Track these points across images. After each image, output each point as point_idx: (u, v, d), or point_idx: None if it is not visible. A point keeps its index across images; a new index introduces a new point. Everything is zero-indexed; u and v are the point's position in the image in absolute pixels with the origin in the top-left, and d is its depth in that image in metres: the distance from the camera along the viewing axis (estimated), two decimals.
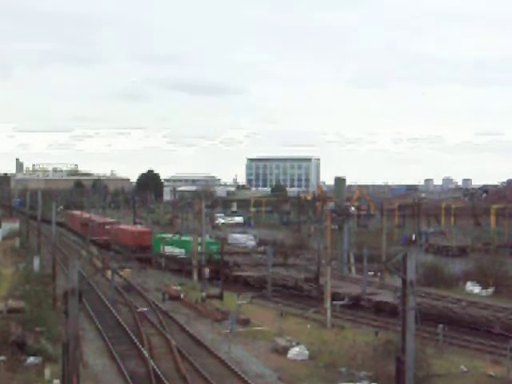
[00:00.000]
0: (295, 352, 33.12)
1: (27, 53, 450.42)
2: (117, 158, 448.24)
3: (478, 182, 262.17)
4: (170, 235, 74.75)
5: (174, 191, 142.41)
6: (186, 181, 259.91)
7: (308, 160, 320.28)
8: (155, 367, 29.53)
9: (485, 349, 35.08)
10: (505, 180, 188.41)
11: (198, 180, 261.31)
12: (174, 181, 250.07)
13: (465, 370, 30.98)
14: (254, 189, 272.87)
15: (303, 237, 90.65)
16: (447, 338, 35.76)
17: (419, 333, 25.09)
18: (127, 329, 38.35)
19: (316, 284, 51.03)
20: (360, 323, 41.54)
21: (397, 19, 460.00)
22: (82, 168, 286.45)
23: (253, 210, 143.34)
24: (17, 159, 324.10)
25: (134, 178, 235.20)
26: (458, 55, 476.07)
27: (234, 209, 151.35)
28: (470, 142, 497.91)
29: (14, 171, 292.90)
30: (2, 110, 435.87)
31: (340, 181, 70.59)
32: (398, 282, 18.13)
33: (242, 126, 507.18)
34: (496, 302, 47.64)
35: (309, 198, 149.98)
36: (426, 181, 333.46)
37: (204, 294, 48.14)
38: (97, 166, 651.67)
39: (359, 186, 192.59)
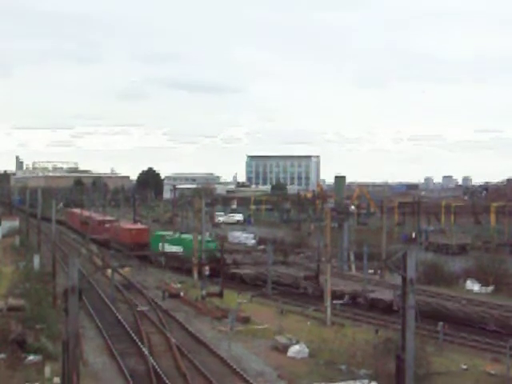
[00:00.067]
0: (295, 350, 33.13)
1: (27, 51, 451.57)
2: (117, 156, 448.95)
3: (478, 179, 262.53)
4: (166, 233, 74.77)
5: (173, 189, 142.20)
6: (186, 179, 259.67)
7: (308, 158, 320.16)
8: (155, 365, 29.55)
9: (485, 347, 35.11)
10: (505, 178, 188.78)
11: (197, 178, 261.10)
12: (174, 179, 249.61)
13: (465, 367, 31.00)
14: (254, 187, 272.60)
15: (303, 235, 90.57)
16: (447, 336, 35.80)
17: (419, 331, 25.10)
18: (127, 327, 38.36)
19: (315, 282, 51.05)
20: (360, 321, 41.55)
21: (397, 19, 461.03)
22: (82, 166, 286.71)
23: (253, 208, 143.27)
24: (17, 157, 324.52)
25: (134, 176, 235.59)
26: (458, 54, 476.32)
27: (234, 207, 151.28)
28: (470, 140, 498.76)
29: (13, 169, 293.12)
30: (1, 108, 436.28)
31: (340, 179, 70.75)
32: (398, 280, 18.13)
33: (242, 124, 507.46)
34: (496, 300, 47.68)
35: (309, 196, 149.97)
36: (426, 179, 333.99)
37: (204, 291, 48.16)
38: (97, 163, 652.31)
39: (359, 184, 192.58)
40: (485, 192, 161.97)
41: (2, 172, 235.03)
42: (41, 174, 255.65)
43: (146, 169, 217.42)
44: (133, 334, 36.26)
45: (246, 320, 40.11)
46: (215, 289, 50.08)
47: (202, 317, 42.24)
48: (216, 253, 60.78)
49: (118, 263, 57.49)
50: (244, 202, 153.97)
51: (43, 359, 30.59)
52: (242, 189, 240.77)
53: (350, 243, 65.76)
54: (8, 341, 31.76)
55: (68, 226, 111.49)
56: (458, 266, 61.97)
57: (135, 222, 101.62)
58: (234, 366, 30.06)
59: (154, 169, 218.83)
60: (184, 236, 69.38)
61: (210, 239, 68.09)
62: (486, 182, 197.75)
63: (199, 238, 57.99)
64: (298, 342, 34.01)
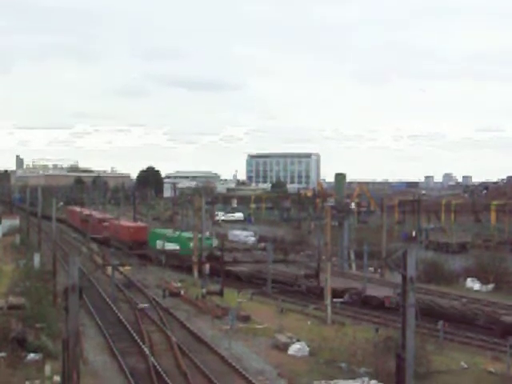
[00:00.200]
0: (295, 348, 33.13)
1: (27, 49, 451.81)
2: (117, 155, 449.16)
3: (478, 178, 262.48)
4: (164, 231, 74.88)
5: (174, 188, 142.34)
6: (187, 177, 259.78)
7: (308, 156, 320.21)
8: (156, 364, 29.55)
9: (485, 345, 35.14)
10: (505, 176, 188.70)
11: (198, 176, 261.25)
12: (175, 177, 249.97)
13: (465, 366, 30.99)
14: (254, 185, 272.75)
15: (303, 233, 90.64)
16: (447, 334, 35.82)
17: (419, 329, 25.11)
18: (127, 325, 38.36)
19: (314, 280, 51.05)
20: (360, 320, 41.58)
21: (396, 15, 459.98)
22: (82, 164, 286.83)
23: (253, 206, 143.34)
24: (17, 156, 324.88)
25: (134, 175, 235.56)
26: (458, 51, 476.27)
27: (234, 205, 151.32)
28: (470, 138, 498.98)
29: (14, 168, 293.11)
30: (1, 106, 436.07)
31: (340, 177, 70.55)
32: (398, 279, 18.13)
33: (242, 122, 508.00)
34: (496, 298, 47.70)
35: (309, 194, 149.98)
36: (426, 177, 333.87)
37: (204, 290, 48.16)
38: (97, 162, 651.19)
39: (359, 183, 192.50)
40: (485, 190, 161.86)
41: (3, 171, 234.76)
42: (41, 173, 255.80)
43: (146, 167, 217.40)
44: (133, 333, 36.26)
45: (246, 318, 40.12)
46: (215, 287, 50.09)
47: (202, 315, 42.23)
48: (215, 251, 60.95)
49: (118, 261, 57.52)
50: (244, 201, 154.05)
51: (43, 357, 30.58)
52: (242, 187, 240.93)
53: (351, 242, 65.76)
54: (8, 339, 31.77)
55: (68, 225, 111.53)
56: (458, 265, 61.99)
57: (135, 220, 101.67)
58: (235, 365, 30.06)
59: (155, 167, 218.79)
60: (181, 234, 69.58)
61: (207, 236, 68.22)
62: (485, 181, 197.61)
63: (199, 236, 58.09)
64: (298, 341, 34.03)
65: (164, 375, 28.02)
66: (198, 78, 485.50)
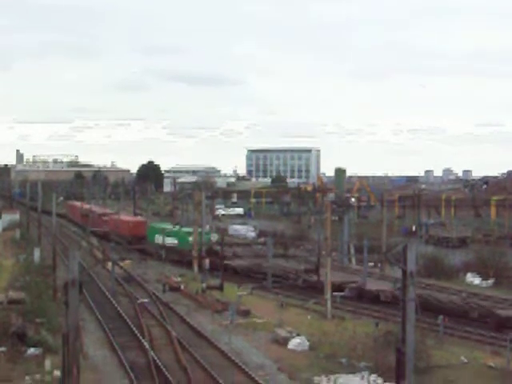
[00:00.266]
0: (295, 343, 33.16)
1: (27, 44, 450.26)
2: (117, 149, 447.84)
3: (478, 173, 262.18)
4: (163, 225, 74.84)
5: (174, 182, 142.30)
6: (187, 172, 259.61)
7: (308, 151, 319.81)
8: (156, 358, 29.56)
9: (484, 340, 35.18)
10: (505, 171, 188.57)
11: (198, 171, 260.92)
12: (175, 172, 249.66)
13: (465, 361, 31.03)
14: (254, 180, 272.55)
15: (303, 228, 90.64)
16: (447, 329, 35.83)
17: (419, 324, 25.11)
18: (128, 320, 38.37)
19: (314, 275, 51.06)
20: (360, 314, 41.60)
21: (396, 12, 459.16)
22: (83, 159, 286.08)
23: (253, 201, 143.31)
24: (17, 150, 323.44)
25: (134, 169, 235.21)
26: (458, 50, 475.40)
27: (235, 200, 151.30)
28: (471, 133, 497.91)
29: (14, 162, 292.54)
30: (1, 101, 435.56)
31: (340, 172, 70.55)
32: (398, 273, 18.11)
33: (242, 117, 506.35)
34: (496, 292, 47.71)
35: (309, 189, 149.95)
36: (426, 172, 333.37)
37: (204, 285, 48.16)
38: (97, 157, 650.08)
39: (359, 177, 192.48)
40: (485, 185, 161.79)
41: (3, 165, 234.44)
42: (41, 168, 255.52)
43: (146, 162, 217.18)
44: (133, 327, 36.28)
45: (246, 313, 40.13)
46: (215, 282, 50.09)
47: (202, 310, 42.26)
48: (215, 246, 60.94)
49: (118, 256, 57.52)
50: (244, 195, 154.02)
51: (43, 352, 30.61)
52: (243, 182, 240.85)
53: (351, 236, 65.76)
54: (8, 334, 31.79)
55: (68, 219, 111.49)
56: (458, 259, 62.01)
57: (135, 214, 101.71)
58: (235, 359, 30.08)
59: (155, 162, 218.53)
60: (180, 228, 69.60)
61: (206, 231, 68.22)
62: (485, 176, 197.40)
63: (199, 230, 58.08)
64: (298, 335, 34.05)
65: (164, 370, 28.04)
66: (198, 72, 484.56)
